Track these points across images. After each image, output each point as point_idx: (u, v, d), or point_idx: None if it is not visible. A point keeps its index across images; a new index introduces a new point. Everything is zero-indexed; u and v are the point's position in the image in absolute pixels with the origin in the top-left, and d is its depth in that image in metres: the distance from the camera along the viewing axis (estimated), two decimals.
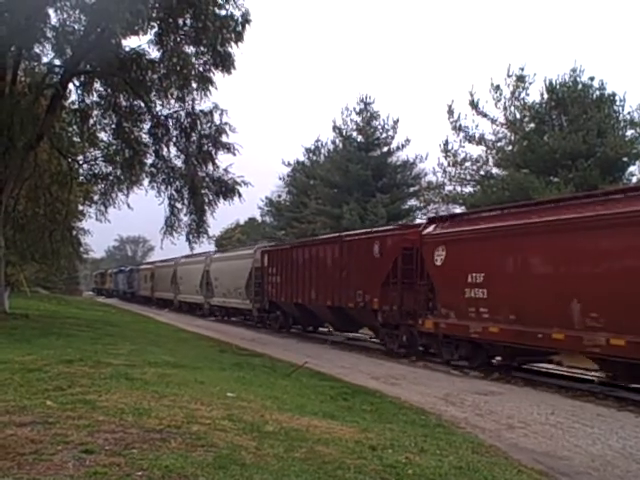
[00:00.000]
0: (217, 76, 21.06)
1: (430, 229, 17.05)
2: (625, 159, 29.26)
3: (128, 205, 24.47)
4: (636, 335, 10.90)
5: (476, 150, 33.38)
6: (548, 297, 12.90)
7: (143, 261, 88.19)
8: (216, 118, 21.92)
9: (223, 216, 27.98)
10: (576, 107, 29.15)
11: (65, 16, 18.69)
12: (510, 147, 32.31)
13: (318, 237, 28.08)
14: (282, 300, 26.10)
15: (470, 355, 15.64)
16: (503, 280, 14.21)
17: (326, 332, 25.32)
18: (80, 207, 30.35)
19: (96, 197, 26.26)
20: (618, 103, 30.00)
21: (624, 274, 11.34)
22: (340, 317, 22.48)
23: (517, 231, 14.02)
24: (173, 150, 22.78)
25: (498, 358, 15.69)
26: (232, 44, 20.20)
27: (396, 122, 42.72)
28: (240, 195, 22.65)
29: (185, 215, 23.34)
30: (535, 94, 31.45)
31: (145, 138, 23.14)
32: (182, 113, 22.06)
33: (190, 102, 21.72)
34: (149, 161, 23.36)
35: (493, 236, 14.70)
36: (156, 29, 20.08)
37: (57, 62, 21.05)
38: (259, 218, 63.60)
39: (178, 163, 22.97)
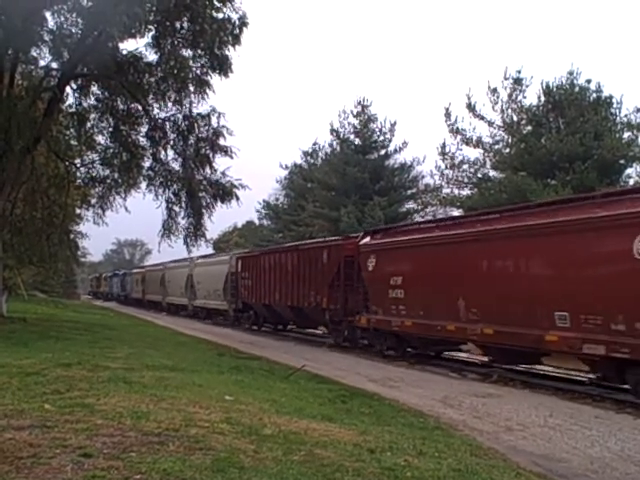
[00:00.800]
0: (214, 79, 21.12)
1: (365, 240, 20.12)
2: (622, 161, 29.30)
3: (126, 208, 24.43)
4: (500, 325, 13.87)
5: (473, 153, 33.37)
6: (444, 296, 15.81)
7: (141, 264, 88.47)
8: (213, 121, 21.96)
9: (221, 219, 28.33)
10: (573, 110, 29.20)
11: (62, 19, 18.75)
12: (507, 150, 32.33)
13: (281, 246, 31.10)
14: (253, 301, 29.06)
15: (395, 346, 18.57)
16: (415, 282, 17.17)
17: (323, 335, 25.36)
18: (77, 210, 30.29)
19: (93, 200, 26.21)
20: (615, 106, 30.07)
21: (491, 277, 14.34)
22: (299, 316, 25.32)
23: (422, 242, 17.26)
24: (170, 153, 22.79)
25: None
26: (229, 47, 20.24)
27: (393, 125, 42.75)
28: (238, 198, 22.67)
29: (183, 218, 23.33)
30: (532, 97, 31.52)
31: (142, 141, 23.14)
32: (179, 116, 22.05)
33: (187, 105, 21.74)
34: (146, 164, 23.37)
35: (408, 246, 17.84)
36: (153, 32, 20.09)
37: (54, 65, 21.07)
38: (257, 221, 63.70)
39: (175, 166, 22.97)
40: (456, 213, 31.50)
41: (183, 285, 40.84)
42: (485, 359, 16.41)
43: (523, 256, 13.61)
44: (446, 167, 33.31)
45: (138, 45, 20.47)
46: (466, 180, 33.34)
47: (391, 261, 18.35)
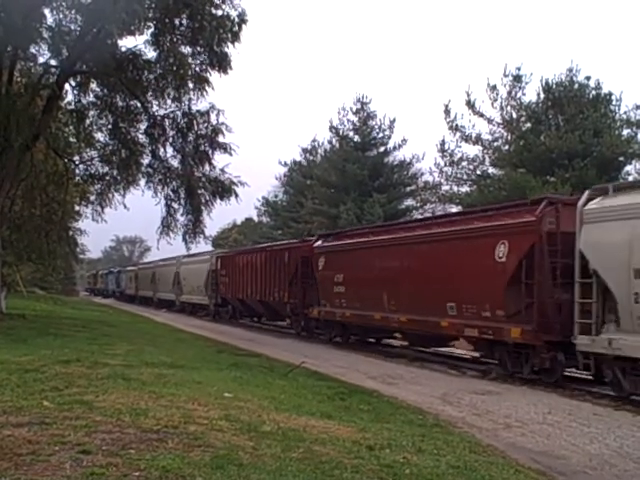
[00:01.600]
0: (213, 76, 21.03)
1: (318, 243, 23.65)
2: (621, 158, 29.33)
3: (124, 205, 24.39)
4: (411, 314, 17.33)
5: (473, 150, 33.38)
6: (373, 291, 19.14)
7: (139, 261, 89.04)
8: (212, 118, 21.90)
9: (220, 216, 28.55)
10: (572, 107, 29.19)
11: (61, 16, 18.70)
12: (506, 147, 32.34)
13: (251, 247, 34.36)
14: (229, 296, 32.63)
15: (340, 333, 22.14)
16: (352, 279, 20.59)
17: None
18: (76, 207, 30.20)
19: (92, 197, 26.11)
20: (614, 103, 30.09)
21: (403, 276, 17.76)
22: (267, 309, 28.68)
23: (357, 246, 20.89)
24: (169, 150, 22.72)
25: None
26: (228, 44, 20.17)
27: (393, 122, 42.75)
28: (237, 195, 22.65)
29: (182, 215, 23.31)
30: (531, 94, 31.53)
31: (141, 138, 23.06)
32: (178, 113, 22.00)
33: (186, 102, 21.67)
34: (145, 161, 23.29)
35: (347, 249, 21.39)
36: (152, 29, 20.02)
37: (53, 62, 21.00)
38: (256, 218, 63.67)
39: (174, 163, 22.92)
40: (455, 210, 31.55)
41: (171, 282, 43.86)
42: (402, 342, 20.94)
43: (425, 258, 16.97)
44: (445, 164, 33.35)
45: (137, 42, 20.40)
46: (465, 177, 33.37)
47: (335, 261, 21.88)
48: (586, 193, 12.85)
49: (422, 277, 16.93)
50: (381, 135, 42.86)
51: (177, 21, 20.16)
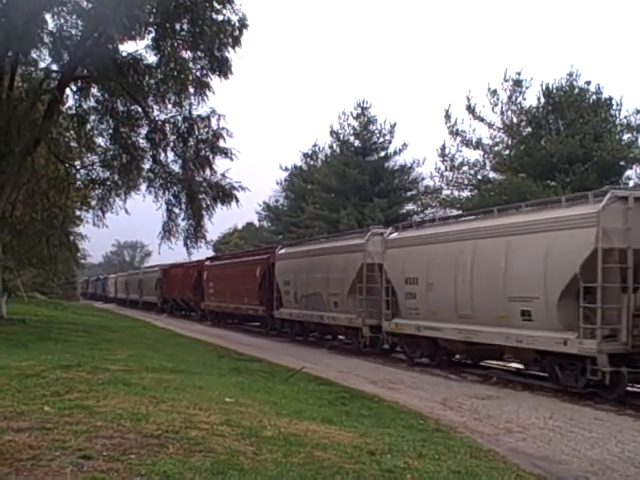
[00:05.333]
0: (214, 81, 21.04)
1: (206, 263, 38.22)
2: (622, 163, 29.36)
3: (126, 210, 24.33)
4: (237, 304, 31.38)
5: (473, 154, 33.44)
6: (223, 292, 33.29)
7: (140, 266, 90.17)
8: (213, 123, 21.89)
9: (221, 221, 28.67)
10: (573, 111, 29.23)
11: (62, 21, 18.68)
12: (507, 151, 32.38)
13: (177, 263, 45.79)
14: (167, 296, 47.36)
15: (216, 319, 35.97)
16: (216, 285, 34.79)
17: (326, 338, 25.41)
18: (77, 212, 30.26)
19: (93, 202, 26.09)
20: (615, 107, 30.13)
21: (232, 283, 32.15)
22: (185, 304, 43.36)
23: (217, 267, 36.11)
24: (170, 155, 22.71)
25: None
26: (229, 49, 20.20)
27: (393, 126, 42.82)
28: (238, 200, 22.62)
29: (183, 220, 23.27)
30: (532, 98, 31.59)
31: (142, 143, 23.02)
32: (179, 118, 21.99)
33: (187, 107, 21.66)
34: (146, 166, 23.24)
35: (214, 267, 36.42)
36: (153, 34, 20.04)
37: (54, 67, 21.04)
38: (257, 223, 63.72)
39: (175, 168, 22.90)
40: (455, 212, 31.54)
41: (136, 287, 57.88)
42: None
43: (236, 274, 31.37)
44: (446, 169, 33.41)
45: (138, 47, 20.40)
46: (466, 182, 33.41)
47: (211, 275, 36.32)
48: (280, 246, 27.98)
49: (236, 283, 31.05)
50: (382, 140, 42.93)
51: (178, 26, 20.17)
